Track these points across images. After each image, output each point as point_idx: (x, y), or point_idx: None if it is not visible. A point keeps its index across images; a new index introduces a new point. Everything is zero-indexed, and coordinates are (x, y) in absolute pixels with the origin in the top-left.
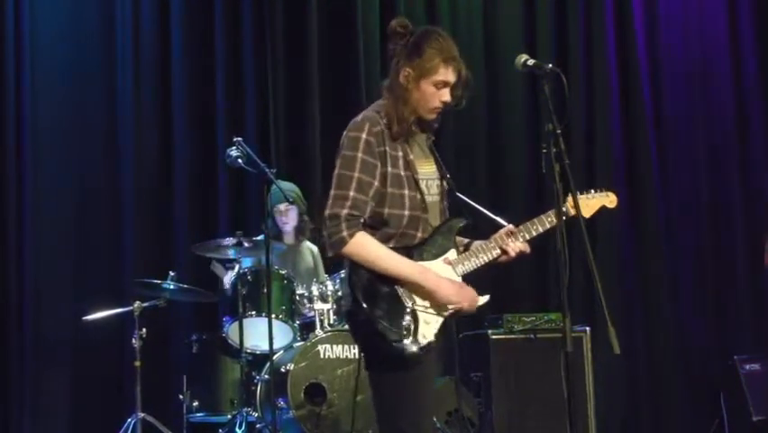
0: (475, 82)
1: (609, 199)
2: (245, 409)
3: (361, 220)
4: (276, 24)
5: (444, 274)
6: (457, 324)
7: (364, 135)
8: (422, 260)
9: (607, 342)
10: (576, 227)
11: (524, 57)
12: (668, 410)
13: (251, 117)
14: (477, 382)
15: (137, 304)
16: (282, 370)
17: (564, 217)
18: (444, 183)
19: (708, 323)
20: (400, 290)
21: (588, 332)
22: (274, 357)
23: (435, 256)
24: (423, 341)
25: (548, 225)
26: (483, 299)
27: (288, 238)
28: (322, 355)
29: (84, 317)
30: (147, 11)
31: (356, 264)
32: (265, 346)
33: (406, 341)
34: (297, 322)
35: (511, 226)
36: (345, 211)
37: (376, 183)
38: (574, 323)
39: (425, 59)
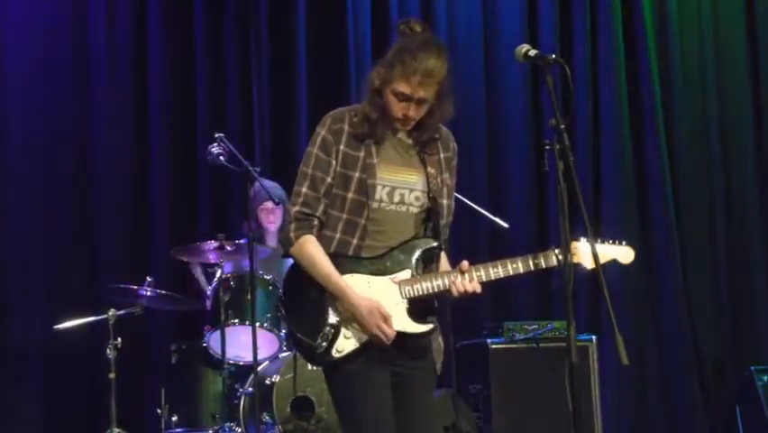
0: (474, 78)
1: (624, 254)
2: (228, 424)
3: (314, 220)
4: (260, 14)
5: (385, 293)
6: (453, 333)
7: (323, 132)
8: (356, 273)
9: (614, 351)
10: (580, 229)
11: (525, 47)
12: (681, 425)
13: (234, 112)
14: (475, 395)
15: (112, 312)
16: (267, 382)
17: (557, 264)
18: (440, 198)
19: (724, 332)
20: (331, 304)
21: (594, 341)
22: (258, 369)
23: (383, 273)
24: (336, 354)
25: (510, 272)
26: (417, 328)
27: (272, 240)
28: (309, 367)
29: (55, 327)
30: (123, 5)
31: (294, 267)
32: (249, 357)
33: (319, 350)
34: (283, 331)
35: (465, 264)
36: (296, 209)
37: (329, 180)
38: (579, 331)
39: (389, 66)
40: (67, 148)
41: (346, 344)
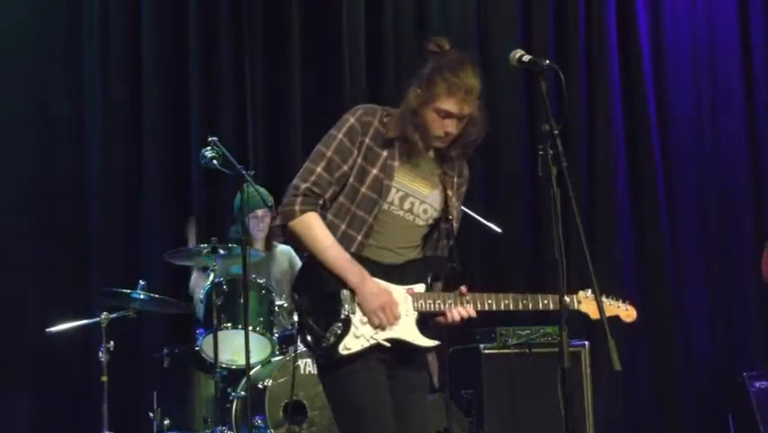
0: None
1: (627, 313)
2: (220, 427)
3: (320, 201)
4: (255, 16)
5: (399, 301)
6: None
7: (352, 119)
8: (382, 278)
9: (607, 357)
10: (574, 231)
11: (519, 52)
12: (674, 430)
13: (228, 116)
14: (468, 400)
15: (104, 315)
16: (260, 386)
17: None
18: (444, 222)
19: (716, 338)
20: (345, 298)
21: (586, 346)
22: (251, 372)
23: (401, 282)
24: (343, 351)
25: (502, 307)
26: (423, 342)
27: (260, 245)
28: (302, 371)
29: (47, 330)
30: (117, 2)
31: (308, 258)
32: (241, 361)
33: (325, 343)
34: (276, 335)
35: (463, 288)
36: (306, 185)
37: (345, 168)
38: (572, 337)
39: (431, 84)
40: (60, 149)
41: (354, 343)
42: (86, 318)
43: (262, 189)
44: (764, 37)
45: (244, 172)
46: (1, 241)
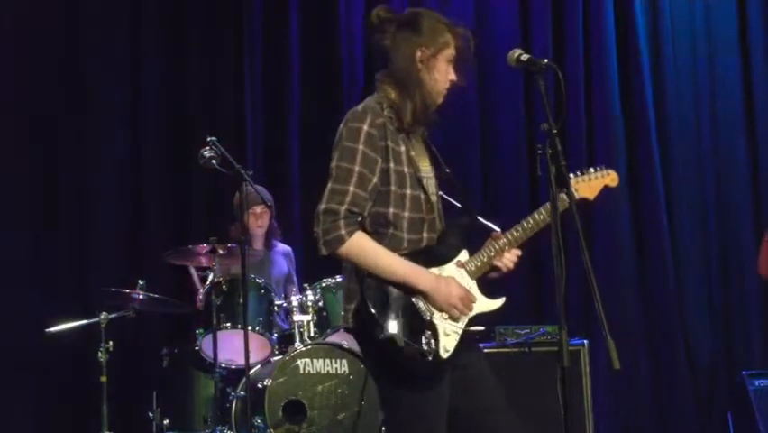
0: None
1: (611, 178)
2: (219, 427)
3: (359, 219)
4: (254, 16)
5: (458, 278)
6: None
7: (366, 127)
8: (432, 266)
9: (606, 356)
10: (572, 232)
11: (517, 52)
12: (673, 429)
13: (227, 116)
14: None
15: (104, 315)
16: (259, 386)
17: (567, 205)
18: (437, 181)
19: (716, 337)
20: (419, 303)
21: (586, 345)
22: (250, 372)
23: (447, 260)
24: (445, 355)
25: (529, 232)
26: (495, 304)
27: (258, 244)
28: (301, 370)
29: (47, 330)
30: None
31: (362, 271)
32: (240, 361)
33: (430, 356)
34: (275, 335)
35: (495, 234)
36: (345, 207)
37: (375, 180)
38: (571, 336)
39: (437, 35)
40: (59, 149)
41: (450, 341)
42: (86, 318)
43: (261, 188)
44: (764, 35)
45: (243, 172)
46: (1, 241)
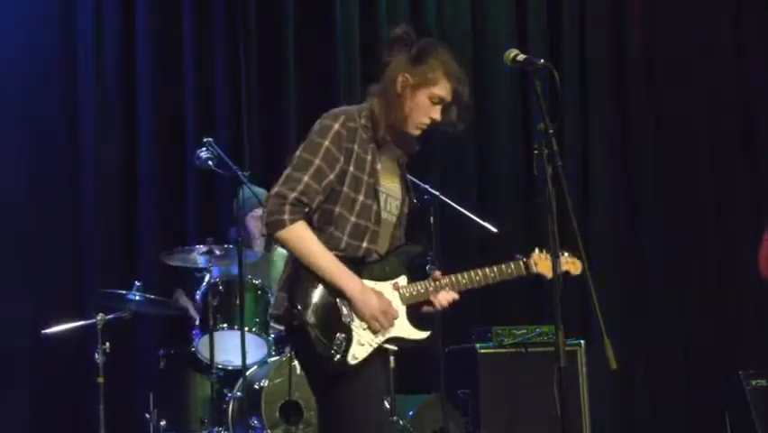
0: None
1: (574, 266)
2: (216, 428)
3: (307, 210)
4: (250, 16)
5: (390, 298)
6: (441, 337)
7: (337, 126)
8: (367, 277)
9: (603, 356)
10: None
11: (513, 52)
12: (670, 429)
13: (223, 117)
14: (464, 400)
15: (100, 316)
16: (256, 387)
17: (526, 273)
18: (405, 208)
19: (712, 336)
20: (343, 307)
21: (583, 345)
22: (247, 373)
23: (384, 278)
24: (352, 361)
25: (475, 283)
26: (418, 335)
27: (259, 246)
28: (298, 371)
29: (43, 331)
30: (110, 4)
31: (298, 267)
32: (237, 361)
33: (337, 357)
34: (272, 335)
35: (436, 274)
36: (294, 195)
37: (332, 176)
38: (568, 336)
39: (427, 69)
40: (53, 149)
41: (361, 350)
42: (82, 320)
43: (261, 190)
44: (756, 37)
45: (239, 173)
46: None
